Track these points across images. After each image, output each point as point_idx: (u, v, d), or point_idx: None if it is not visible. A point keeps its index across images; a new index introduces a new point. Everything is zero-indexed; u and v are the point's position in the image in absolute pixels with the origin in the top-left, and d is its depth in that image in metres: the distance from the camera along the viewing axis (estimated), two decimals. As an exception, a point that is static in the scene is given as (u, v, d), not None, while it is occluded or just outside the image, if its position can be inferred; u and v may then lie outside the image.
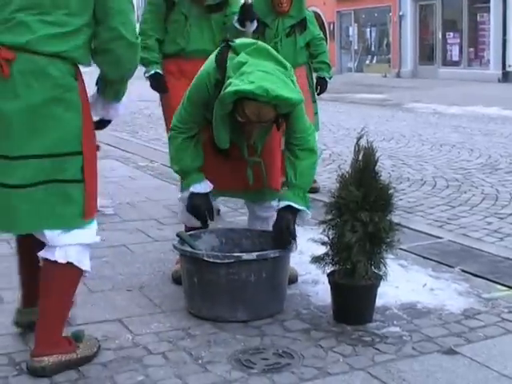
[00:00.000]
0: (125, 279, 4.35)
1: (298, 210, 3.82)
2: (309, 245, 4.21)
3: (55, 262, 3.09)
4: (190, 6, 5.20)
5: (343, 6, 33.79)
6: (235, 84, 3.52)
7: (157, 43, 5.28)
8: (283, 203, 3.83)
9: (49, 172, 2.99)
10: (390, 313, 3.77)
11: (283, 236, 3.79)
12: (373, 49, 33.76)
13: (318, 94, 7.03)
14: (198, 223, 4.08)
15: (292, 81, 3.71)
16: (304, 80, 6.58)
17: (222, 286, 3.67)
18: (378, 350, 3.34)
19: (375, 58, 33.44)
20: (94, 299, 4.01)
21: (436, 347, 3.36)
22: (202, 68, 3.90)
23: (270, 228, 4.01)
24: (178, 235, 3.97)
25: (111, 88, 3.32)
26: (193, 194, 3.94)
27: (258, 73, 3.56)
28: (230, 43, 3.81)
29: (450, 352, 3.31)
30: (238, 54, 3.70)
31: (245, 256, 3.66)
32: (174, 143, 3.96)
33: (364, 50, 34.04)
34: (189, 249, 3.83)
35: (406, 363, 3.20)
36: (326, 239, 3.68)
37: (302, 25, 6.60)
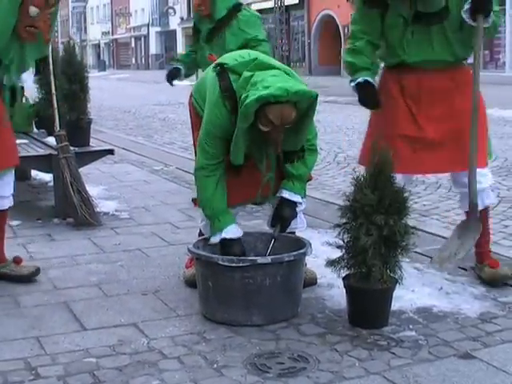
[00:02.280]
0: (140, 283, 4.35)
1: (296, 203, 4.00)
2: (324, 248, 4.21)
3: None
4: (408, 7, 4.10)
5: (358, 9, 33.72)
6: (253, 93, 3.52)
7: (369, 46, 4.24)
8: (293, 195, 3.96)
9: None
10: (406, 317, 3.75)
11: (283, 226, 3.99)
12: (387, 52, 33.69)
13: None
14: None
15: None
16: None
17: (237, 289, 3.66)
18: (393, 354, 3.32)
19: (390, 60, 33.37)
20: (110, 303, 4.02)
21: (452, 351, 3.34)
22: (207, 101, 3.84)
23: (297, 225, 4.16)
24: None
25: None
26: (225, 240, 3.87)
27: (270, 78, 3.57)
28: (224, 66, 3.79)
29: (467, 356, 3.29)
30: (239, 75, 3.69)
31: (260, 260, 3.66)
32: (208, 187, 3.86)
33: (379, 53, 33.98)
34: (203, 252, 3.82)
35: (422, 367, 3.18)
36: (340, 243, 3.67)
37: (219, 26, 5.82)
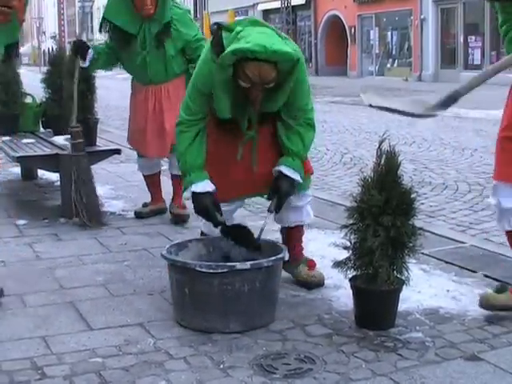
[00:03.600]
0: (146, 283, 4.35)
1: (295, 180, 3.96)
2: (330, 249, 4.20)
3: None
4: None
5: (364, 10, 33.72)
6: (232, 46, 3.53)
7: None
8: (292, 172, 3.93)
9: None
10: (413, 318, 3.74)
11: (280, 200, 3.92)
12: (394, 52, 33.65)
13: None
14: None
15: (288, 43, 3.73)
16: (181, 92, 5.59)
17: (215, 296, 3.57)
18: (400, 355, 3.31)
19: (396, 61, 33.33)
20: (116, 303, 4.02)
21: (459, 353, 3.33)
22: (199, 60, 3.88)
23: (304, 218, 4.20)
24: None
25: None
26: (195, 194, 3.86)
27: (256, 34, 3.57)
28: (220, 25, 3.77)
29: (474, 358, 3.27)
30: (232, 31, 3.68)
31: (238, 265, 3.58)
32: (183, 141, 3.90)
33: (385, 54, 33.95)
34: (179, 259, 3.77)
35: (428, 369, 3.17)
36: (347, 244, 3.66)
37: (168, 29, 5.54)
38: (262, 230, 3.95)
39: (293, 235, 4.33)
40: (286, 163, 3.94)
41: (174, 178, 6.04)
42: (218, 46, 3.69)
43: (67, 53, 7.06)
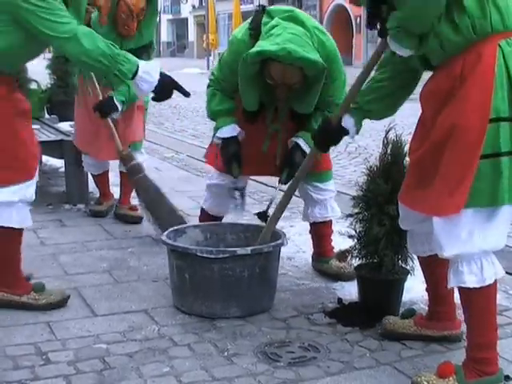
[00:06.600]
0: (150, 270, 4.35)
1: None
2: (335, 238, 4.20)
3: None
4: None
5: (370, -1, 33.61)
6: (260, 45, 3.53)
7: None
8: (306, 145, 3.90)
9: None
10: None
11: (291, 170, 3.85)
12: (399, 42, 33.58)
13: None
14: (220, 212, 4.25)
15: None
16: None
17: (216, 281, 3.57)
18: (404, 345, 3.31)
19: (401, 51, 33.27)
20: (120, 290, 4.02)
21: (463, 343, 3.31)
22: (234, 33, 3.88)
23: (329, 213, 4.16)
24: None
25: None
26: (221, 139, 3.89)
27: (286, 35, 3.54)
28: (265, 8, 3.79)
29: (478, 348, 3.27)
30: (272, 19, 3.68)
31: (239, 251, 3.57)
32: (209, 93, 3.97)
33: (390, 44, 33.88)
34: (180, 244, 3.76)
35: (432, 359, 3.17)
36: (353, 232, 3.65)
37: (146, 49, 5.22)
38: (271, 201, 3.97)
39: (320, 231, 4.28)
40: (305, 138, 3.91)
41: (123, 177, 5.69)
42: (256, 29, 3.69)
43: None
